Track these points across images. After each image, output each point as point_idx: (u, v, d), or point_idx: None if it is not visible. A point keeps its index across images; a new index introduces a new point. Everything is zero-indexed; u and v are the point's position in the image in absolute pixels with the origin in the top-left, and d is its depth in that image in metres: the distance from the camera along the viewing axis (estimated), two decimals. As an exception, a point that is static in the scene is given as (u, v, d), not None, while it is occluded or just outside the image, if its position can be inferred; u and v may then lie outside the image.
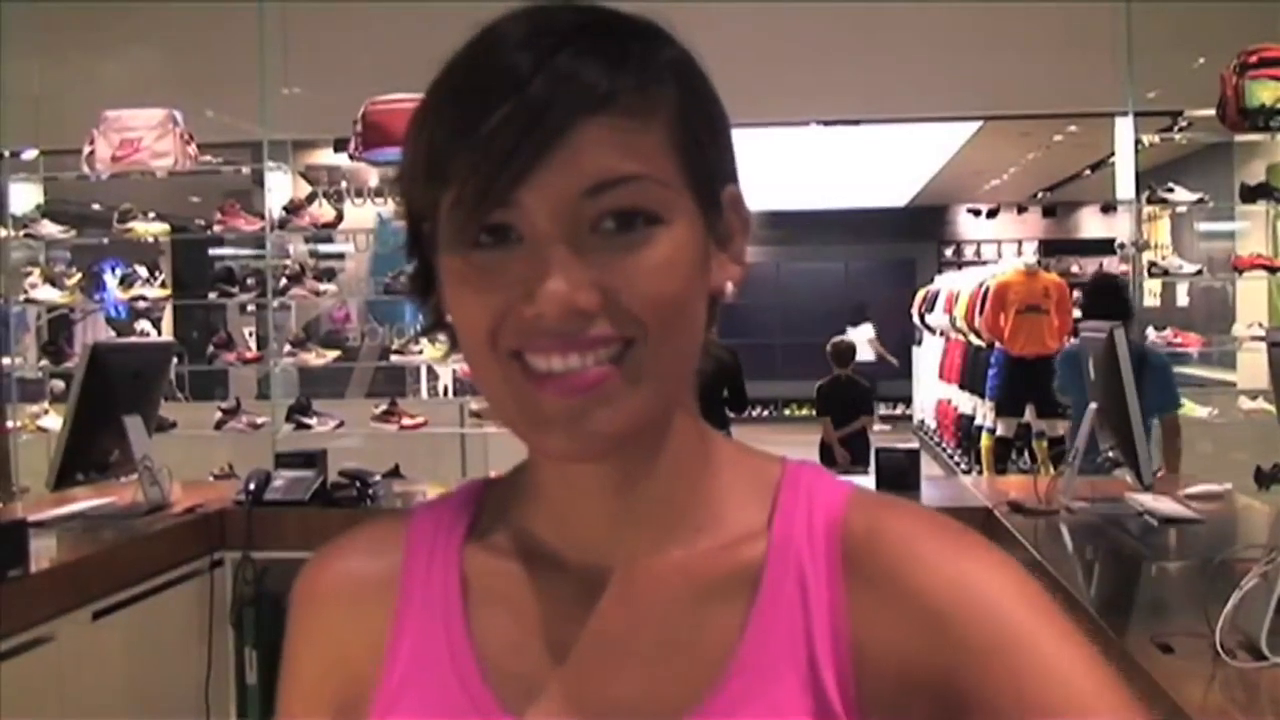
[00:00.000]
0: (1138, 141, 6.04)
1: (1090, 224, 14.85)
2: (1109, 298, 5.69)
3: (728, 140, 0.81)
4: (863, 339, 6.86)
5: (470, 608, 0.84)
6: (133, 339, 7.51)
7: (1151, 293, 10.07)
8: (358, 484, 3.65)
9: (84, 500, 3.65)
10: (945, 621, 0.73)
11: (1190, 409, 6.50)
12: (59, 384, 6.85)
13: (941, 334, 12.00)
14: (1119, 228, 7.06)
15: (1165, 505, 3.52)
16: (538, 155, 0.70)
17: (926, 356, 12.93)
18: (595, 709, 0.79)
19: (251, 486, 3.56)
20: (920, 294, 12.92)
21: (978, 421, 10.13)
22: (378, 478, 3.81)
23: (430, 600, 0.85)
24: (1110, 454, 3.83)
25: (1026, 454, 9.26)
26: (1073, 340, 9.13)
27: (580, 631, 0.81)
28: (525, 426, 0.76)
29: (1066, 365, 6.16)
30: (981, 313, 9.36)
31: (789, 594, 0.78)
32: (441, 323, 0.80)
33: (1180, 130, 6.61)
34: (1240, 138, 6.09)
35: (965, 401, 10.85)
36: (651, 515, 0.81)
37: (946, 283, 12.18)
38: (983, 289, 9.60)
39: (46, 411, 6.27)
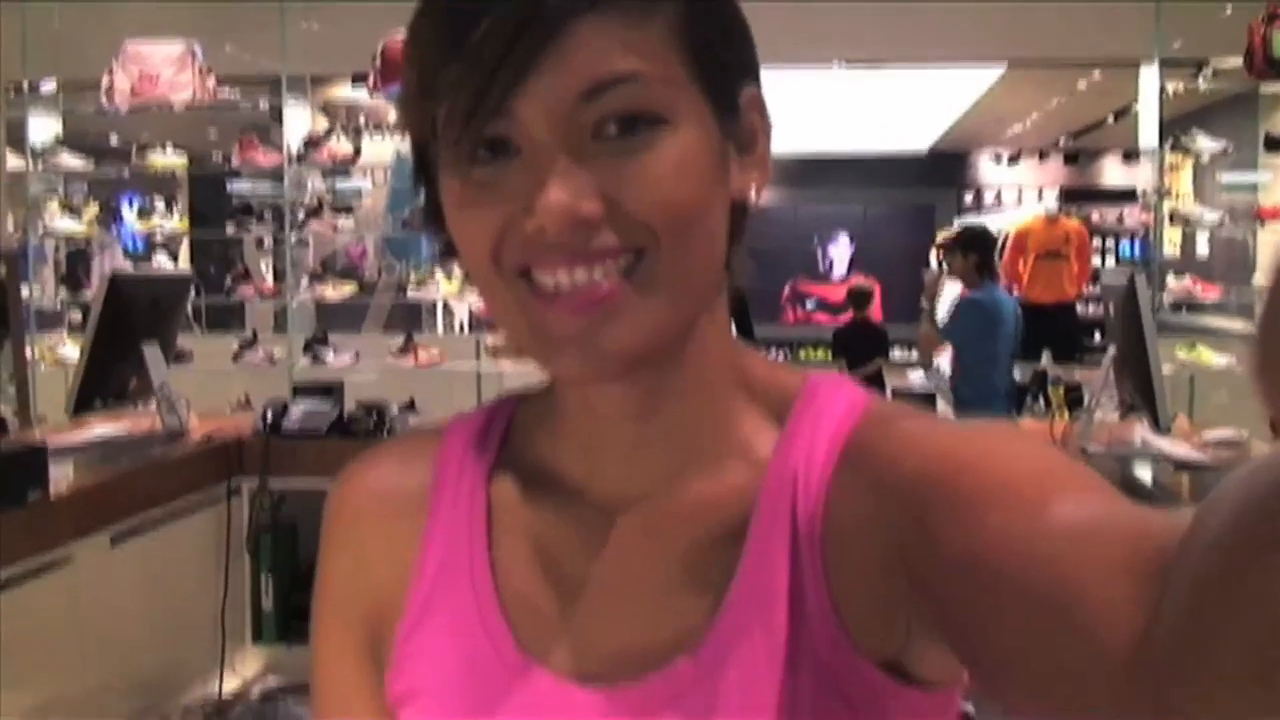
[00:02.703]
0: (1162, 90, 5.99)
1: (1112, 172, 14.72)
2: (978, 247, 5.75)
3: (742, 38, 0.78)
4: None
5: (494, 535, 0.84)
6: (151, 271, 7.51)
7: (1171, 242, 10.01)
8: (375, 415, 3.66)
9: (102, 427, 3.67)
10: (912, 485, 0.71)
11: (1208, 357, 6.48)
12: (77, 316, 6.88)
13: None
14: (1141, 176, 7.01)
15: (1182, 450, 3.52)
16: (528, 61, 0.67)
17: (943, 302, 12.86)
18: (602, 645, 0.80)
19: (269, 416, 3.57)
20: (939, 237, 12.83)
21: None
22: (395, 410, 3.82)
23: (456, 524, 0.85)
24: (1127, 399, 3.82)
25: (1041, 399, 9.25)
26: (1093, 286, 9.11)
27: (595, 569, 0.81)
28: (537, 349, 0.74)
29: (970, 314, 6.15)
30: (1000, 258, 9.31)
31: (780, 525, 0.77)
32: (454, 249, 0.77)
33: (1205, 80, 6.55)
34: (1266, 88, 6.03)
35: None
36: (674, 441, 0.81)
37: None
38: (1002, 235, 9.55)
39: (65, 342, 6.29)
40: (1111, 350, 3.75)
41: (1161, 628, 0.54)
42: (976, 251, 6.23)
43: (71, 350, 5.86)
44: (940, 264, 6.71)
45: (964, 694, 0.82)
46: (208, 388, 5.35)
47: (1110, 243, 12.50)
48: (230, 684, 3.37)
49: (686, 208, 0.71)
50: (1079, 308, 9.57)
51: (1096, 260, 9.33)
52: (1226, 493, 0.50)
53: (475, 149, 0.71)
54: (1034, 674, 0.64)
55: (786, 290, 14.30)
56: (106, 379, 3.57)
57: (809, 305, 14.24)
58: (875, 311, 8.01)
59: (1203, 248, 10.74)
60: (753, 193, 0.79)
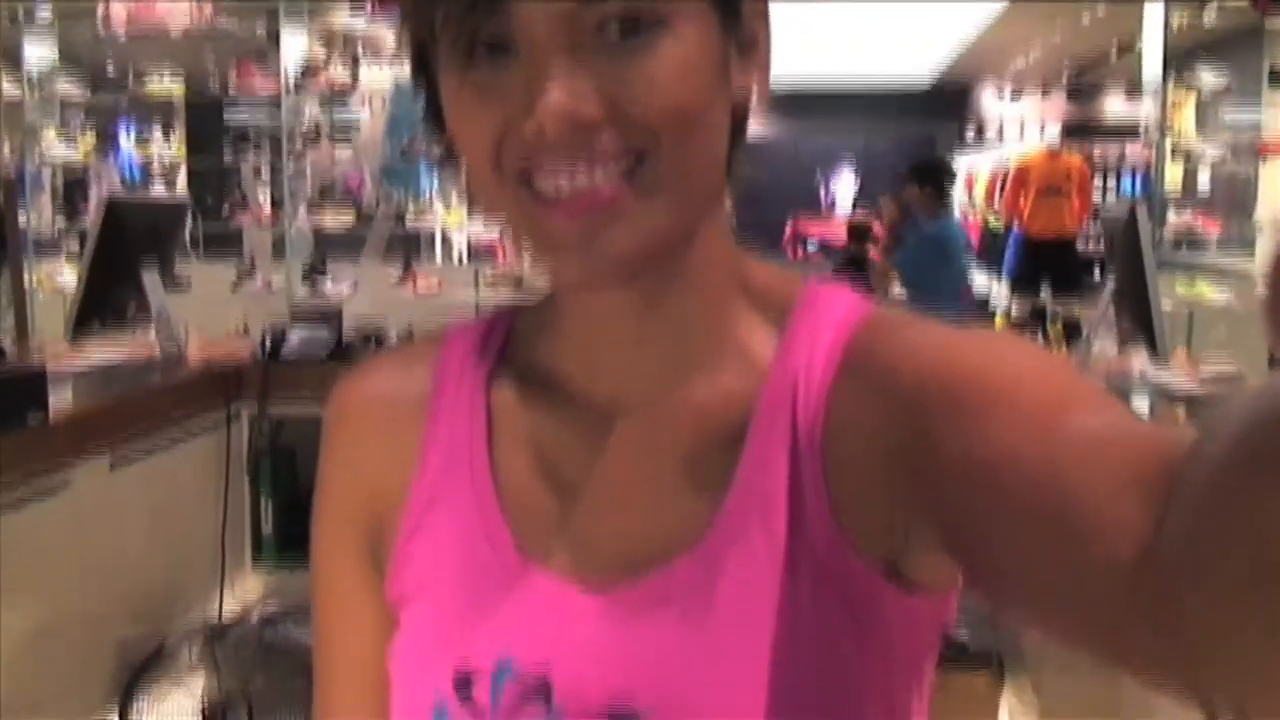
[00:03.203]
0: (1166, 24, 5.94)
1: (1114, 108, 14.63)
2: (933, 178, 5.76)
3: None
4: None
5: (493, 439, 0.85)
6: (149, 195, 7.48)
7: (1172, 178, 9.97)
8: (374, 343, 3.67)
9: (101, 352, 3.67)
10: (915, 393, 0.71)
11: (1208, 293, 6.47)
12: (75, 245, 6.87)
13: (960, 213, 11.93)
14: (1143, 111, 6.97)
15: (1180, 382, 3.52)
16: None
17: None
18: (601, 546, 0.80)
19: (267, 342, 3.57)
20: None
21: (992, 302, 10.11)
22: (393, 338, 3.82)
23: (456, 428, 0.85)
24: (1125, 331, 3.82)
25: (1040, 334, 9.25)
26: (1094, 223, 9.09)
27: (594, 470, 0.81)
28: (539, 253, 0.74)
29: (921, 247, 6.15)
30: (1001, 193, 9.29)
31: (780, 429, 0.77)
32: (455, 154, 0.77)
33: (1210, 14, 6.49)
34: (1271, 23, 5.98)
35: (981, 281, 10.81)
36: (674, 345, 0.81)
37: (966, 163, 12.06)
38: (1003, 169, 9.52)
39: (63, 270, 6.28)
40: (1111, 282, 3.74)
41: (1165, 542, 0.54)
42: (932, 182, 6.23)
43: (69, 278, 5.85)
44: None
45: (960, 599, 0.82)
46: (206, 315, 5.33)
47: (1111, 180, 12.46)
48: (230, 607, 3.39)
49: (688, 110, 0.71)
50: (1079, 244, 9.55)
51: (1097, 197, 9.29)
52: (1232, 411, 0.50)
53: (474, 49, 0.70)
54: (1035, 585, 0.64)
55: (788, 232, 14.24)
56: (105, 304, 3.57)
57: (810, 248, 14.19)
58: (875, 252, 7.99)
59: (1204, 184, 10.70)
60: (754, 96, 0.79)
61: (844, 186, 13.30)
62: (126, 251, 3.53)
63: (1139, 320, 3.61)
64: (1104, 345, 3.83)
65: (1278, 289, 0.39)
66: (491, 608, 0.80)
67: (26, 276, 6.36)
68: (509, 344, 0.88)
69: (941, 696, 2.84)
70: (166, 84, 6.46)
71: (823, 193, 14.73)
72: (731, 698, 0.74)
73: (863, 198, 13.71)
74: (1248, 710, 0.64)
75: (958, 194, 11.68)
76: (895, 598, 0.76)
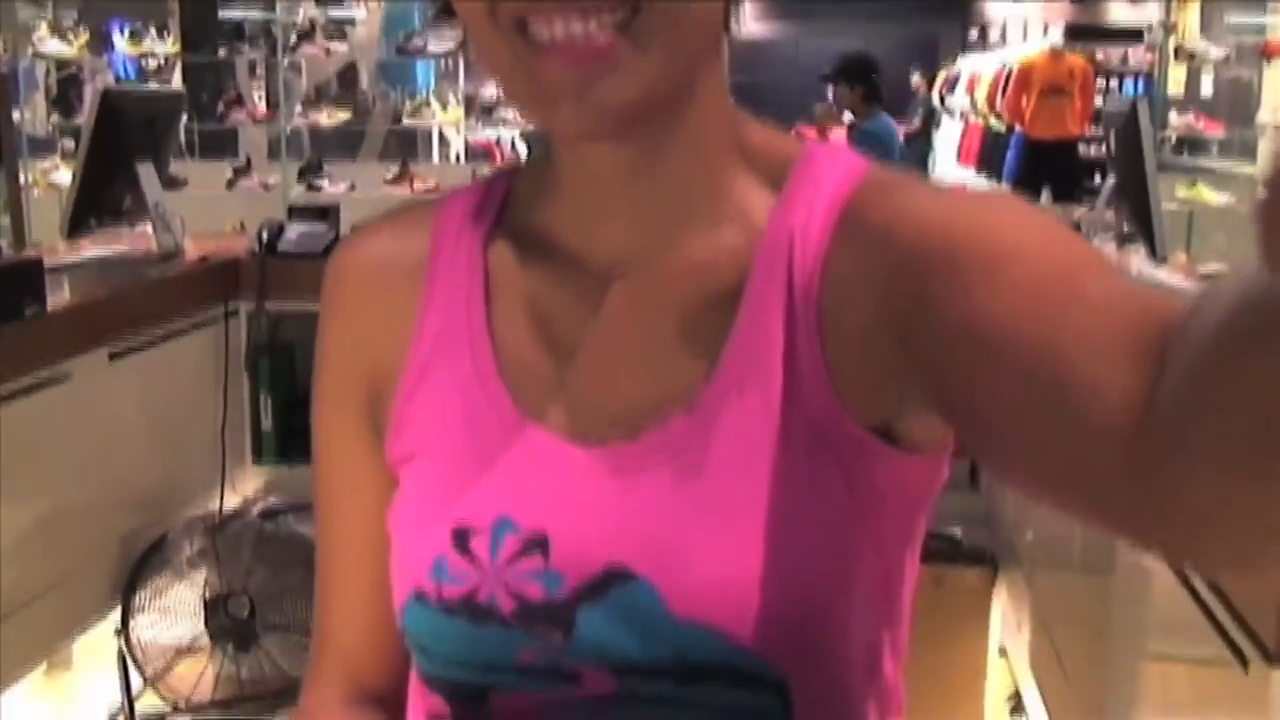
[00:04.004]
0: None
1: (1118, 11, 14.49)
2: (864, 78, 5.74)
3: None
4: None
5: (491, 300, 0.85)
6: (144, 88, 7.40)
7: (1175, 81, 9.88)
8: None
9: (98, 248, 3.66)
10: (913, 255, 0.71)
11: (1208, 196, 6.45)
12: (70, 143, 6.82)
13: (961, 116, 11.83)
14: (1147, 14, 6.88)
15: (1178, 282, 3.52)
16: None
17: (945, 140, 12.75)
18: (597, 407, 0.81)
19: (264, 236, 3.56)
20: (941, 76, 12.68)
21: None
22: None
23: (454, 290, 0.85)
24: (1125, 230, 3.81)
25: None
26: (1095, 128, 9.02)
27: (591, 330, 0.82)
28: (533, 103, 0.74)
29: (861, 144, 6.13)
30: (1004, 95, 9.20)
31: (776, 287, 0.78)
32: (451, 9, 0.77)
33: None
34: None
35: (982, 185, 10.76)
36: (670, 204, 0.81)
37: (969, 65, 11.94)
38: (1006, 70, 9.43)
39: (58, 167, 6.24)
40: (1111, 180, 3.73)
41: (1159, 407, 0.54)
42: (862, 82, 6.21)
43: (64, 176, 5.82)
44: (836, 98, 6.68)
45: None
46: (202, 214, 5.32)
47: (1114, 83, 12.35)
48: (231, 502, 3.42)
49: None
50: (1081, 148, 9.49)
51: (1099, 101, 9.21)
52: (1228, 284, 0.50)
53: None
54: (1030, 449, 0.65)
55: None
56: (100, 198, 3.55)
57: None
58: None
59: (1207, 88, 10.62)
60: None
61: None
62: (122, 145, 3.50)
63: (1138, 220, 3.59)
64: (1102, 245, 3.82)
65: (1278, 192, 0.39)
66: (490, 466, 0.81)
67: (21, 175, 6.33)
68: (506, 206, 0.88)
69: (936, 592, 2.88)
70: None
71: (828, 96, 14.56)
72: (725, 553, 0.75)
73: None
74: (1238, 571, 0.65)
75: (959, 97, 11.58)
76: (888, 457, 0.77)
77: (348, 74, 7.92)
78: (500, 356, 0.83)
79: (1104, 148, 4.31)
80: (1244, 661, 1.60)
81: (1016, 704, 3.25)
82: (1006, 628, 3.33)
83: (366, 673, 0.93)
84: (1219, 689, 1.76)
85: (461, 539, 0.80)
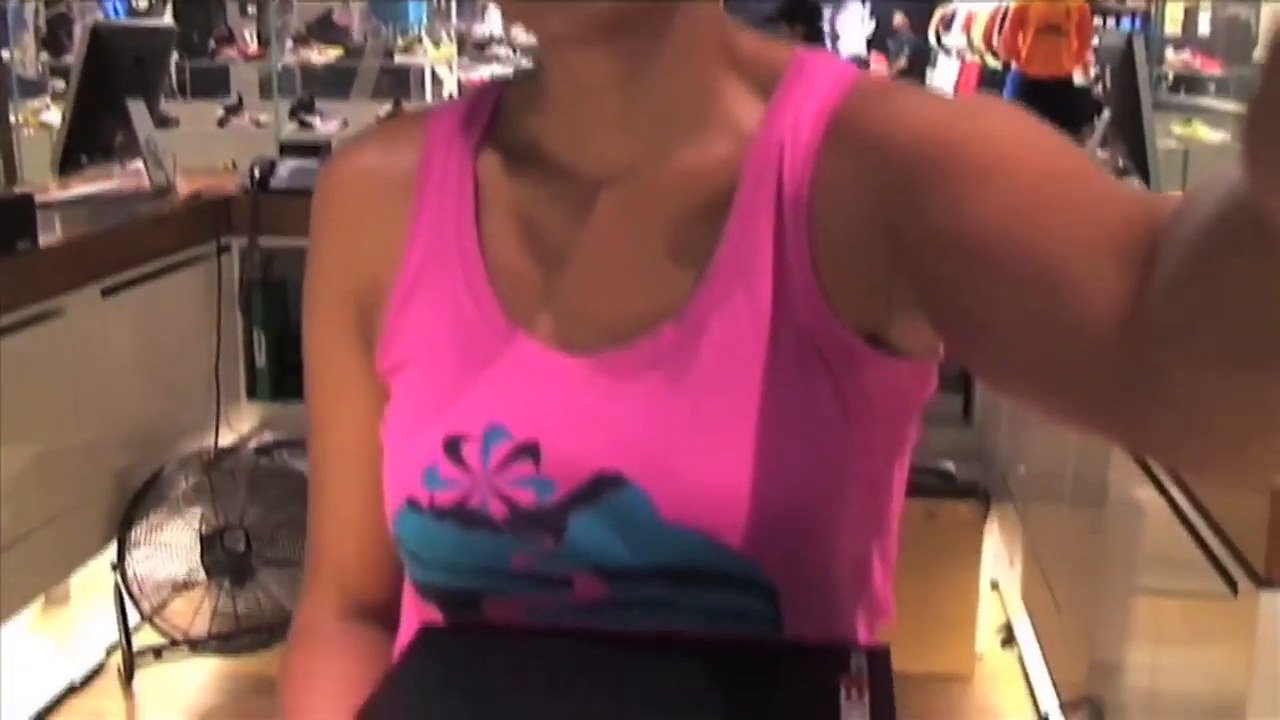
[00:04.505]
0: None
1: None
2: (804, 17, 5.73)
3: None
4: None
5: (481, 211, 0.85)
6: (134, 23, 7.33)
7: (1172, 19, 9.82)
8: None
9: (89, 185, 3.64)
10: (904, 160, 0.71)
11: (1204, 134, 6.43)
12: (60, 84, 6.77)
13: (958, 55, 11.76)
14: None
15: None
16: None
17: (941, 79, 12.68)
18: (588, 314, 0.81)
19: (256, 173, 3.54)
20: (938, 14, 12.59)
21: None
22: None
23: (444, 202, 0.85)
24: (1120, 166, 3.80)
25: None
26: (1095, 69, 8.97)
27: (581, 240, 0.82)
28: (522, 7, 0.74)
29: None
30: (1000, 33, 9.15)
31: (765, 195, 0.77)
32: None
33: None
34: None
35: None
36: (659, 113, 0.80)
37: (965, 3, 11.86)
38: (1002, 9, 9.36)
39: (48, 107, 6.20)
40: (1106, 115, 3.71)
41: (1148, 310, 0.54)
42: (802, 21, 6.19)
43: (55, 115, 5.78)
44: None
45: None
46: (194, 152, 5.29)
47: (1111, 21, 12.25)
48: (226, 439, 3.42)
49: None
50: (1077, 87, 9.44)
51: (1096, 40, 9.15)
52: (1215, 186, 0.50)
53: None
54: (1020, 355, 0.65)
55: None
56: (92, 135, 3.53)
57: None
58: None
59: (1204, 26, 10.55)
60: None
61: (850, 23, 12.97)
62: (113, 81, 3.47)
63: (1133, 156, 3.58)
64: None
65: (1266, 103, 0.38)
66: (481, 375, 0.81)
67: (12, 115, 6.29)
68: (495, 118, 0.88)
69: (928, 526, 2.89)
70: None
71: (827, 29, 14.43)
72: (715, 460, 0.76)
73: (877, 36, 13.37)
74: (1220, 471, 0.65)
75: (956, 36, 11.51)
76: (877, 363, 0.77)
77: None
78: (490, 267, 0.83)
79: (1100, 82, 4.29)
80: (1233, 586, 1.62)
81: (1008, 636, 3.28)
82: (998, 561, 3.36)
83: (361, 586, 0.94)
84: (1208, 619, 1.78)
85: (453, 447, 0.80)
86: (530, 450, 0.79)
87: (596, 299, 0.81)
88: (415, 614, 0.87)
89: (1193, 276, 0.51)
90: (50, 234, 2.93)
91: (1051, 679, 2.75)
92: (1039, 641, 2.91)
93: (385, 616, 0.93)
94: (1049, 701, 2.82)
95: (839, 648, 0.79)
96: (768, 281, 0.76)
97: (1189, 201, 0.54)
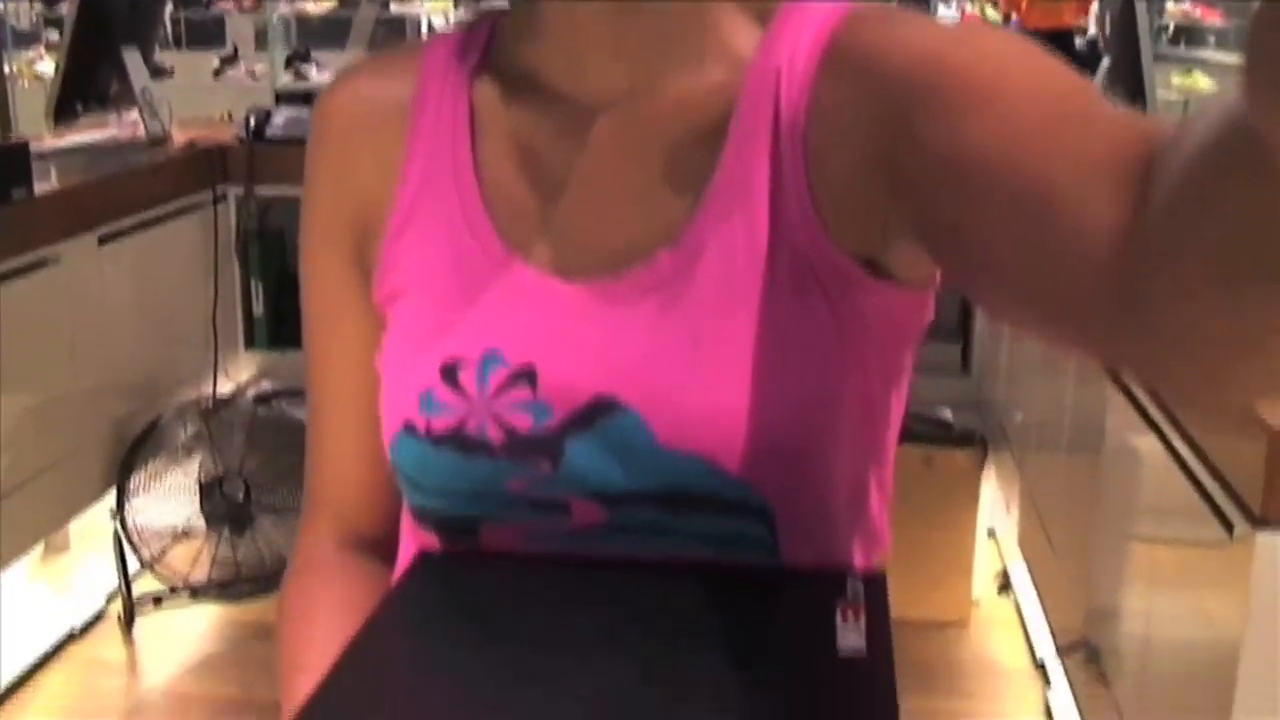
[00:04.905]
0: None
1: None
2: None
3: None
4: None
5: (476, 139, 0.85)
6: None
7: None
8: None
9: (84, 134, 3.63)
10: (900, 86, 0.71)
11: (1204, 84, 6.40)
12: (54, 35, 6.73)
13: (958, 7, 11.69)
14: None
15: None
16: None
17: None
18: (584, 241, 0.81)
19: (252, 122, 3.53)
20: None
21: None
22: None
23: (440, 130, 0.85)
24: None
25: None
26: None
27: (577, 167, 0.81)
28: None
29: None
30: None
31: (762, 121, 0.77)
32: None
33: None
34: None
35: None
36: (655, 40, 0.80)
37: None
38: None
39: (42, 57, 6.17)
40: (1105, 62, 3.69)
41: (1141, 232, 0.54)
42: None
43: (49, 67, 5.74)
44: None
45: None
46: (189, 103, 5.26)
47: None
48: (224, 388, 3.42)
49: None
50: (1078, 40, 9.39)
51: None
52: (1212, 109, 0.49)
53: None
54: (1015, 276, 0.65)
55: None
56: (86, 84, 3.51)
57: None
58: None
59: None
60: None
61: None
62: (107, 30, 3.45)
63: (1130, 96, 3.56)
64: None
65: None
66: (477, 301, 0.81)
67: (6, 66, 6.25)
68: (490, 47, 0.87)
69: (925, 473, 2.89)
70: None
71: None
72: (711, 384, 0.76)
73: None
74: (1211, 391, 0.65)
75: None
76: (873, 289, 0.77)
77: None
78: (486, 194, 0.83)
79: (1100, 35, 4.27)
80: (1229, 528, 1.62)
81: (1004, 582, 3.30)
82: (995, 509, 3.37)
83: (358, 518, 0.94)
84: (1204, 563, 1.79)
85: (450, 372, 0.80)
86: (527, 375, 0.79)
87: (593, 225, 0.81)
88: (413, 542, 0.88)
89: (1187, 196, 0.51)
90: (45, 182, 2.93)
91: (1048, 624, 2.76)
92: (1035, 587, 2.92)
93: (383, 549, 0.94)
94: (1045, 647, 2.84)
95: (835, 574, 0.79)
96: (764, 207, 0.76)
97: (1186, 124, 0.53)
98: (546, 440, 0.78)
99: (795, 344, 0.76)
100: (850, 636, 0.72)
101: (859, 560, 0.85)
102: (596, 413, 0.77)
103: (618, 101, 0.81)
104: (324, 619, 0.90)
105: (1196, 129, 0.51)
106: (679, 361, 0.76)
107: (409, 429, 0.81)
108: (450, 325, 0.81)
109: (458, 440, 0.79)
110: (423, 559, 0.84)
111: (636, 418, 0.76)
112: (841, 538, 0.83)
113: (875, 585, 0.78)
